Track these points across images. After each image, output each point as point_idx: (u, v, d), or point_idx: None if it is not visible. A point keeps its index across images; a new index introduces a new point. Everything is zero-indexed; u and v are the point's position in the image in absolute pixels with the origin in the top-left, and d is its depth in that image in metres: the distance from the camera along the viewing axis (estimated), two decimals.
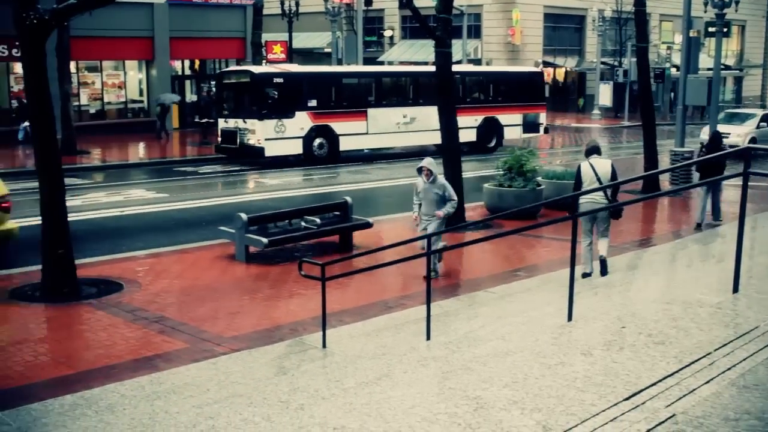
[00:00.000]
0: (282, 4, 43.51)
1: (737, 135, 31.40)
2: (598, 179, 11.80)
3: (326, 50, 54.73)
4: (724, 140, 26.29)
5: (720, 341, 6.74)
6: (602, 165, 12.08)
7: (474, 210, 17.98)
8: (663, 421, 5.26)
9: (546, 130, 36.06)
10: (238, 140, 27.77)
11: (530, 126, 34.64)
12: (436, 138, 31.47)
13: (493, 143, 33.29)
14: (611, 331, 7.35)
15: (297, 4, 43.76)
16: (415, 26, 55.83)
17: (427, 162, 12.27)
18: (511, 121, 33.83)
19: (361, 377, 7.35)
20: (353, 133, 29.32)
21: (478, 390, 6.17)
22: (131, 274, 12.78)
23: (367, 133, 29.81)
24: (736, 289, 8.23)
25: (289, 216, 14.55)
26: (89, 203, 20.05)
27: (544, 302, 10.11)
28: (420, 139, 31.30)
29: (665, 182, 22.79)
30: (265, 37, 41.65)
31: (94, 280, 12.27)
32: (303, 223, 14.33)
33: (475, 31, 56.70)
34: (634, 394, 5.72)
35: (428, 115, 30.86)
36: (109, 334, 9.87)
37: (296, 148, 27.84)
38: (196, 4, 39.86)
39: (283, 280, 12.50)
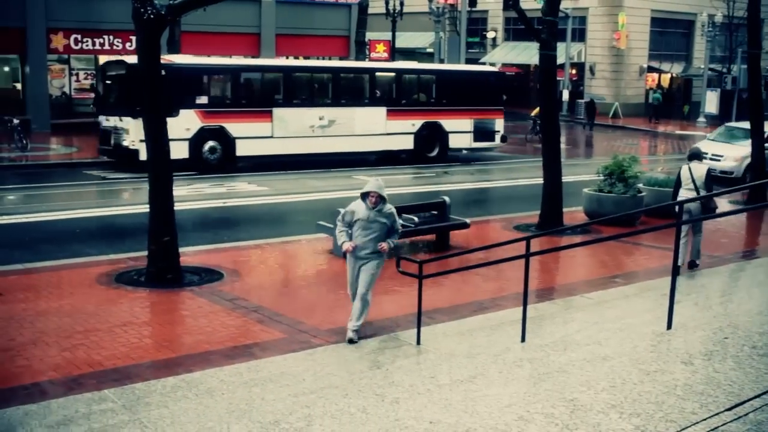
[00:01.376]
0: (386, 3, 43.80)
1: (733, 159, 23.85)
2: (693, 182, 12.91)
3: (428, 50, 54.89)
4: (715, 164, 22.68)
5: None
6: (699, 169, 13.08)
7: (571, 215, 17.76)
8: None
9: (504, 139, 30.78)
10: (112, 141, 24.52)
11: (483, 134, 29.83)
12: (362, 144, 27.47)
13: (435, 152, 28.94)
14: (712, 341, 7.20)
15: (401, 4, 43.98)
16: (518, 28, 55.56)
17: (377, 186, 9.61)
18: (457, 127, 29.20)
19: (456, 375, 7.38)
20: (254, 136, 25.28)
21: (575, 393, 6.13)
22: (232, 264, 13.08)
23: (272, 137, 25.69)
24: None
25: None
26: (193, 194, 20.59)
27: (643, 309, 9.96)
28: (341, 145, 26.91)
29: None
30: (369, 36, 42.03)
31: (197, 268, 12.61)
32: (401, 221, 14.41)
33: (580, 35, 56.01)
34: (737, 405, 5.61)
35: (351, 118, 27.18)
36: (210, 321, 10.15)
37: (181, 151, 23.17)
38: (303, 1, 40.52)
39: (379, 277, 12.59)
